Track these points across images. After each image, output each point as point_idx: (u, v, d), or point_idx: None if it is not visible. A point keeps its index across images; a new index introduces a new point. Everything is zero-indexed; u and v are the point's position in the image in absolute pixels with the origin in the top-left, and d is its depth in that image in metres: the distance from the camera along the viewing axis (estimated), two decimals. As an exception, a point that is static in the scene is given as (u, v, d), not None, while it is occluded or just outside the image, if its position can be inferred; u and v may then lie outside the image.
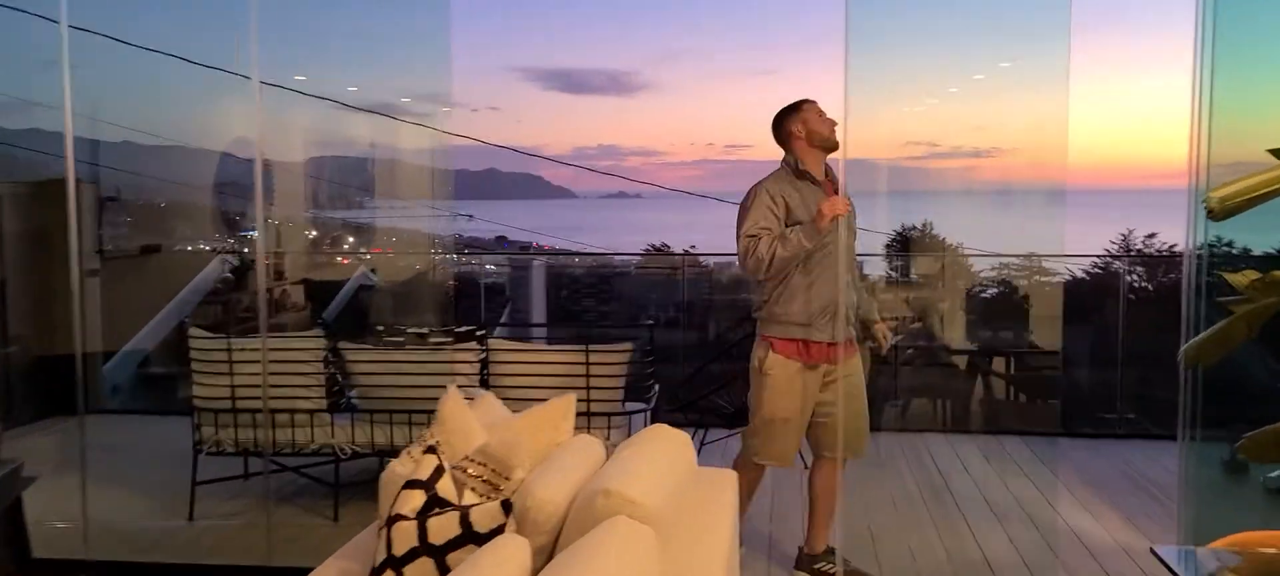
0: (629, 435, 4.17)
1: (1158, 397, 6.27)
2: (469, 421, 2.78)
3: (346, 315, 9.04)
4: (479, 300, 8.65)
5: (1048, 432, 6.24)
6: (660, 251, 20.39)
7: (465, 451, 2.66)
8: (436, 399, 2.76)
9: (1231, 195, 2.26)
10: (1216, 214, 2.28)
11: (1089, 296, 8.68)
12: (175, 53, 6.49)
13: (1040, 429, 6.30)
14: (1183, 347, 2.85)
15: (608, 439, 4.12)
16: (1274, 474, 4.73)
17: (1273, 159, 4.23)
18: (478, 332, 4.24)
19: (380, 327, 4.64)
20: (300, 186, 9.49)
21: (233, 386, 4.23)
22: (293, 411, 4.23)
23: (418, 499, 2.40)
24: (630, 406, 4.36)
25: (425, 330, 4.34)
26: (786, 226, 3.52)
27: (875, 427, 3.91)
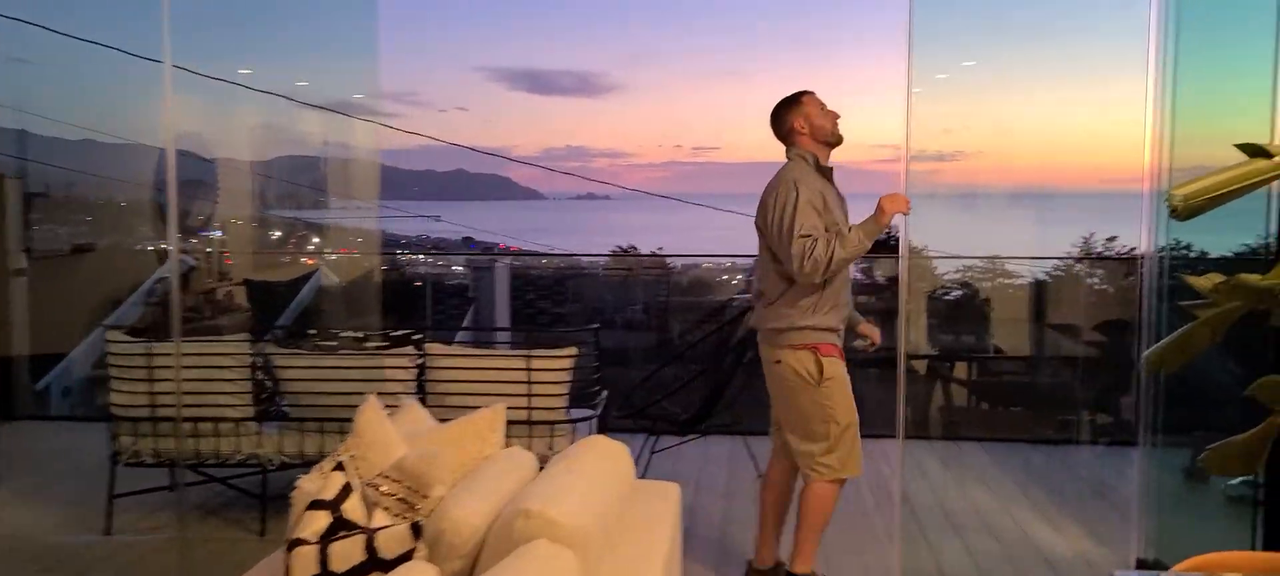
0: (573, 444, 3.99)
1: (1121, 403, 6.19)
2: (388, 434, 2.58)
3: (305, 318, 8.83)
4: (424, 302, 8.41)
5: (1009, 438, 6.13)
6: (627, 253, 20.28)
7: (382, 467, 2.47)
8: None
9: (1196, 193, 2.11)
10: (1180, 212, 2.13)
11: (1051, 300, 8.61)
12: (102, 41, 6.23)
13: (1002, 435, 6.20)
14: (1145, 353, 2.70)
15: (550, 449, 3.94)
16: (1234, 482, 4.64)
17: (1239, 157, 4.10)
18: (414, 337, 4.04)
19: (312, 332, 4.41)
20: (248, 184, 9.22)
21: (152, 393, 4.00)
22: (217, 420, 4.00)
23: (322, 521, 2.20)
24: (577, 414, 4.18)
25: (361, 334, 4.12)
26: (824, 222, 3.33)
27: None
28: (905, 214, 3.33)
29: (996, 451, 5.75)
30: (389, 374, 3.96)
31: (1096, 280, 10.67)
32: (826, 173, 3.45)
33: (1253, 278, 2.53)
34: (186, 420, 3.99)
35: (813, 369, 3.37)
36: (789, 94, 3.51)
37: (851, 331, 3.62)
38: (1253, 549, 3.93)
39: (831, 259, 3.22)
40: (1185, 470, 4.60)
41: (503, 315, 9.49)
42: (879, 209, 3.28)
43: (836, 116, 3.46)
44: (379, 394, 3.92)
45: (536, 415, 3.94)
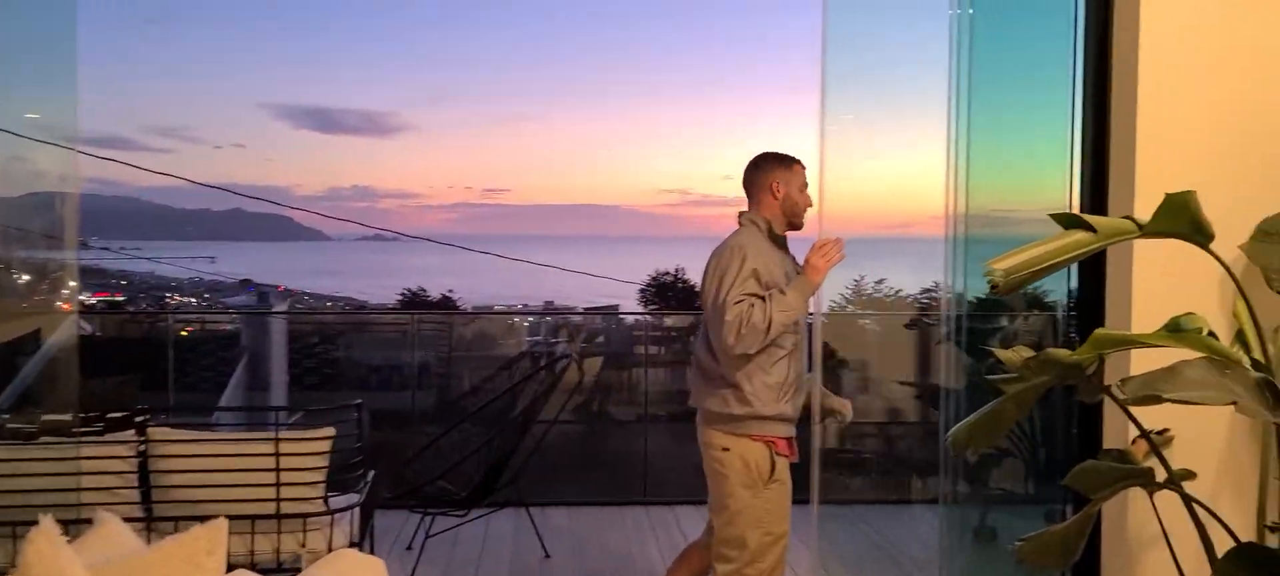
0: (330, 540, 3.47)
1: (906, 457, 6.21)
2: (65, 567, 2.02)
3: (43, 384, 7.74)
4: (173, 359, 7.51)
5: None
6: (416, 296, 19.49)
7: (54, 612, 1.92)
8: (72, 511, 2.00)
9: (1017, 267, 1.93)
10: (1000, 288, 1.93)
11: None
12: None
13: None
14: (949, 433, 2.52)
15: (302, 545, 3.41)
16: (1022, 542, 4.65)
17: (1033, 215, 4.06)
18: (136, 419, 3.40)
19: (3, 414, 3.67)
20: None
21: None
22: None
23: None
24: (337, 502, 3.65)
25: (67, 416, 3.43)
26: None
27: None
28: (839, 261, 3.03)
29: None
30: (103, 465, 3.31)
31: (869, 322, 10.96)
32: (780, 242, 3.16)
33: (1062, 353, 2.38)
34: None
35: (764, 467, 3.03)
36: (782, 152, 3.20)
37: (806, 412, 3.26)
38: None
39: (770, 325, 2.88)
40: (974, 530, 4.57)
41: (279, 368, 8.69)
42: (808, 264, 2.99)
43: (810, 203, 3.18)
44: (89, 493, 3.29)
45: (287, 507, 3.39)
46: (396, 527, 4.66)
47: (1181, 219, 1.92)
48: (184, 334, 9.50)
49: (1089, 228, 1.97)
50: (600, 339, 9.26)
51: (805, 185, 3.18)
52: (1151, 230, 1.94)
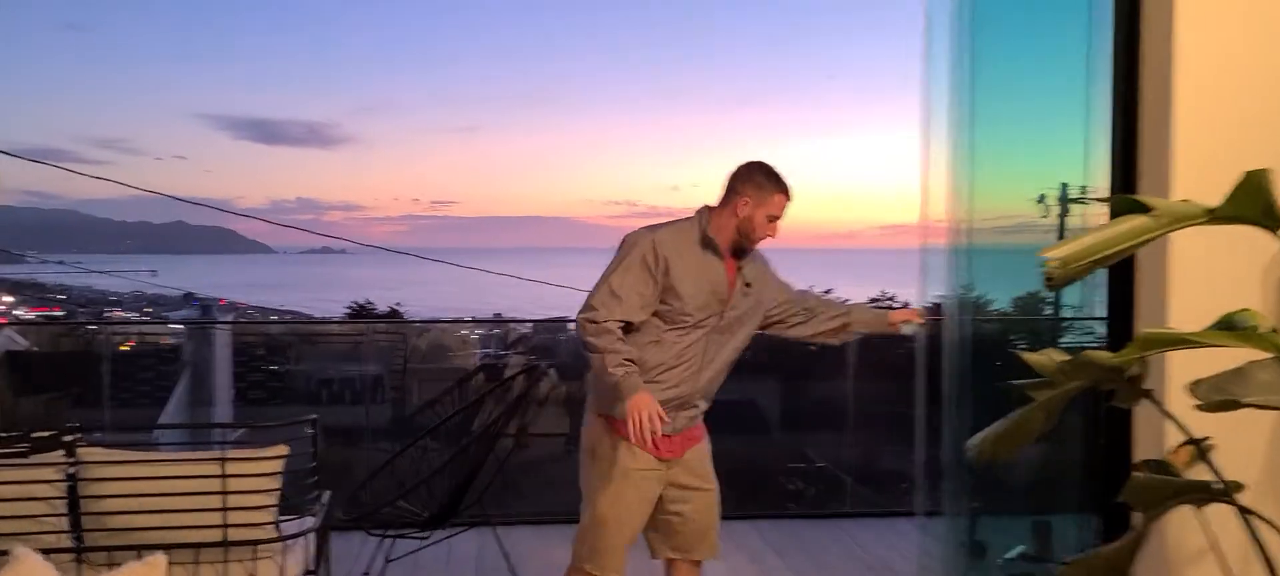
0: (283, 569, 3.16)
1: (886, 469, 6.03)
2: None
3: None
4: (107, 374, 7.08)
5: (773, 515, 5.72)
6: (364, 309, 18.99)
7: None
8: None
9: (1074, 256, 1.72)
10: (1056, 280, 1.71)
11: (812, 360, 8.51)
12: None
13: (766, 511, 5.80)
14: (969, 445, 2.31)
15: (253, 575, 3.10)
16: (1011, 554, 4.48)
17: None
18: (66, 437, 3.07)
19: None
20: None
21: None
22: None
23: None
24: (290, 526, 3.34)
25: (-13, 437, 3.08)
26: (663, 297, 2.87)
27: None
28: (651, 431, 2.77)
29: (765, 530, 5.36)
30: (28, 491, 2.97)
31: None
32: (717, 248, 2.94)
33: (1102, 355, 2.18)
34: None
35: (600, 444, 2.96)
36: (776, 174, 2.97)
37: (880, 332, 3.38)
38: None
39: (603, 362, 2.78)
40: (963, 544, 4.39)
41: (224, 383, 8.29)
42: (630, 409, 2.73)
43: (774, 233, 2.98)
44: (7, 523, 2.96)
45: (234, 534, 3.08)
46: (353, 552, 4.35)
47: (1255, 202, 1.72)
48: (124, 349, 9.10)
49: (1148, 212, 1.77)
50: (547, 352, 8.99)
51: (774, 217, 2.96)
52: (1224, 214, 1.73)
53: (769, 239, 2.99)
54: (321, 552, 3.44)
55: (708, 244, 2.93)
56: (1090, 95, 2.85)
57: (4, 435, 3.06)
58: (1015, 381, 2.35)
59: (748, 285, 3.01)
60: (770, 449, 7.23)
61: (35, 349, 9.53)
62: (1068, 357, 2.22)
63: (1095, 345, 4.82)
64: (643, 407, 2.70)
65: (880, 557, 4.93)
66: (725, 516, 5.40)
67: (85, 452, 3.03)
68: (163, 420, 7.72)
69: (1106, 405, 2.40)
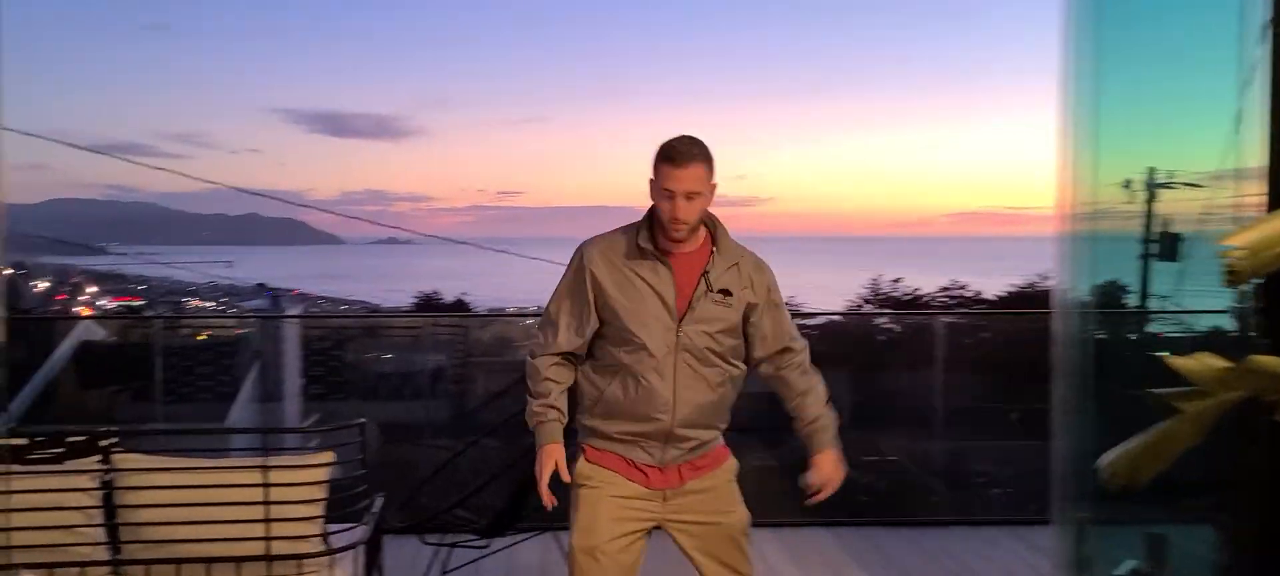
0: (330, 584, 2.94)
1: (974, 472, 5.65)
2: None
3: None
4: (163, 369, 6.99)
5: (855, 522, 5.30)
6: (431, 301, 18.97)
7: None
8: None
9: (1264, 243, 1.37)
10: (1243, 273, 1.39)
11: (884, 351, 8.15)
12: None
13: (839, 516, 5.39)
14: (1102, 463, 1.99)
15: (299, 592, 2.88)
16: (1122, 571, 4.11)
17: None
18: (102, 442, 2.88)
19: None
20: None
21: None
22: None
23: None
24: (339, 538, 3.12)
25: (23, 441, 2.91)
26: (601, 315, 2.61)
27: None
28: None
29: (846, 537, 5.02)
30: (61, 499, 2.79)
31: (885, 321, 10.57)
32: (657, 252, 2.59)
33: (1272, 361, 1.85)
34: None
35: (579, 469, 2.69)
36: (674, 143, 2.56)
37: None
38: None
39: (528, 393, 2.68)
40: (1073, 562, 4.03)
41: (292, 375, 8.20)
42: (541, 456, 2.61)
43: (676, 211, 2.51)
44: (41, 534, 2.78)
45: (278, 547, 2.86)
46: (408, 559, 4.12)
47: None
48: (200, 338, 9.12)
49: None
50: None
51: (669, 195, 2.51)
52: None
53: (678, 221, 2.51)
54: (373, 563, 3.23)
55: (642, 248, 2.58)
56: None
57: (39, 438, 2.87)
58: (1158, 389, 2.03)
59: (723, 293, 2.59)
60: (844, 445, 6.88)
61: (111, 340, 9.57)
62: (1227, 364, 1.89)
63: (1181, 337, 4.41)
64: (547, 461, 2.58)
65: (975, 571, 4.57)
66: (797, 522, 5.09)
67: (120, 459, 2.84)
68: (231, 414, 7.65)
69: (1269, 419, 2.05)
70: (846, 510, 5.19)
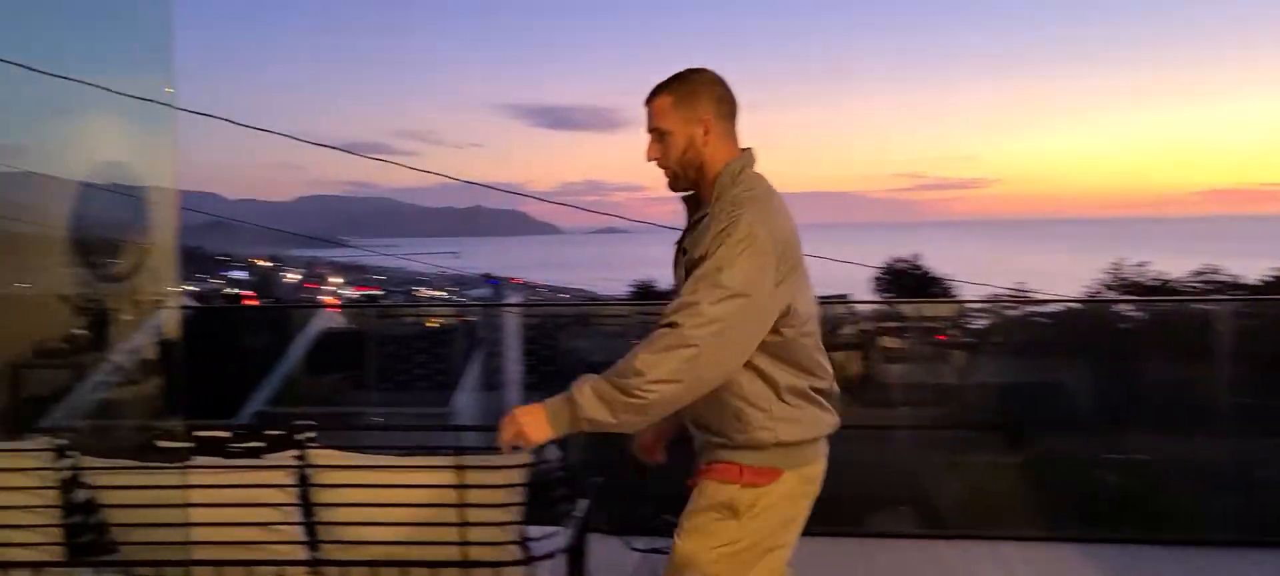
0: (530, 593, 2.71)
1: (1258, 481, 4.85)
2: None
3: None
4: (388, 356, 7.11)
5: (1110, 539, 4.61)
6: (647, 289, 19.04)
7: None
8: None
9: None
10: None
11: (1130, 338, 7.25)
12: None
13: (1097, 534, 4.71)
14: None
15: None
16: None
17: None
18: (297, 436, 2.77)
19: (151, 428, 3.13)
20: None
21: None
22: (7, 564, 2.75)
23: None
24: (541, 543, 2.89)
25: (226, 434, 2.84)
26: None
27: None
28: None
29: (1102, 554, 4.39)
30: (257, 496, 2.69)
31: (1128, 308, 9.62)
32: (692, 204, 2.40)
33: None
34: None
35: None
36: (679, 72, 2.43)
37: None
38: None
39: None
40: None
41: (513, 362, 8.26)
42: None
43: (648, 152, 2.39)
44: (239, 530, 2.70)
45: (474, 553, 2.66)
46: (616, 562, 3.85)
47: None
48: (432, 325, 9.41)
49: None
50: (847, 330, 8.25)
51: (650, 129, 2.39)
52: None
53: (658, 164, 2.39)
54: (577, 572, 2.99)
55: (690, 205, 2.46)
56: None
57: (237, 430, 2.80)
58: None
59: (685, 253, 2.35)
60: (1080, 443, 6.15)
61: (352, 328, 10.00)
62: None
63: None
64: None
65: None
66: (1038, 537, 4.45)
67: (315, 454, 2.71)
68: (460, 404, 7.75)
69: None
70: (1088, 518, 4.57)
